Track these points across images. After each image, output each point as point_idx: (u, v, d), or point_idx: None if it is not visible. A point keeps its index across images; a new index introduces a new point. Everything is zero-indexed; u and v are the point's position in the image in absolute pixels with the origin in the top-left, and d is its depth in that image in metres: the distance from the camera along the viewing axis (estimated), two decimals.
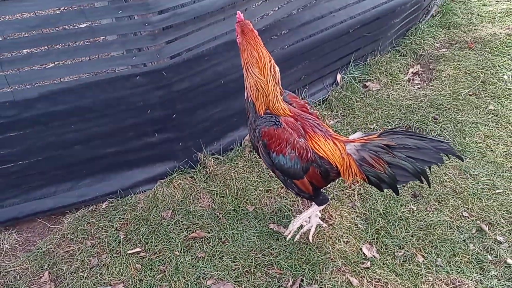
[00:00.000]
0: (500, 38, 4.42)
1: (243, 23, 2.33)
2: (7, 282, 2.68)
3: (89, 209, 3.09)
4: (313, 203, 2.61)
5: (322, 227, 2.79)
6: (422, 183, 2.34)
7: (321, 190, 2.55)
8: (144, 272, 2.67)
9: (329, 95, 3.96)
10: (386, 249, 2.68)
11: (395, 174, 2.30)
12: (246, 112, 2.46)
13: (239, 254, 2.72)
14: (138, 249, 2.80)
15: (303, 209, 2.95)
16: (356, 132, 2.67)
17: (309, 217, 2.71)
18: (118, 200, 3.13)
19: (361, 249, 2.68)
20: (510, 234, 2.69)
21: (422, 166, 2.28)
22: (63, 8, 2.76)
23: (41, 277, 2.71)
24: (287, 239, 2.72)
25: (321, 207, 2.62)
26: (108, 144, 3.04)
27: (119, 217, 3.01)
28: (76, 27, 2.78)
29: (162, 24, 2.85)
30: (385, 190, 2.40)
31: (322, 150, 2.34)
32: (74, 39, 2.78)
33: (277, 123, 2.31)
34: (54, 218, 3.09)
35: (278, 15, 3.49)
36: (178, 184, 3.19)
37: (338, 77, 4.10)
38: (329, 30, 3.81)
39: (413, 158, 2.28)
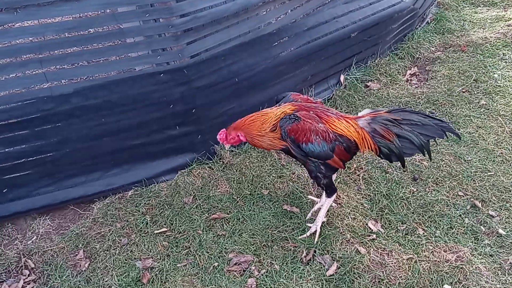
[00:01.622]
0: (491, 41, 4.76)
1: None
2: (46, 260, 2.94)
3: (116, 196, 3.35)
4: (325, 197, 2.87)
5: (332, 206, 3.06)
6: (425, 155, 2.63)
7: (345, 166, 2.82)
8: (171, 248, 2.94)
9: (333, 94, 4.27)
10: (389, 224, 2.96)
11: (402, 147, 2.60)
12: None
13: (257, 231, 2.99)
14: (164, 229, 3.07)
15: (313, 191, 3.23)
16: (364, 109, 2.95)
17: (320, 198, 2.99)
18: (143, 188, 3.39)
19: (367, 224, 2.95)
20: (501, 209, 2.98)
21: (425, 139, 2.57)
22: (97, 12, 3.06)
23: (76, 254, 2.97)
24: (315, 241, 2.87)
25: (332, 199, 2.86)
26: (134, 137, 3.30)
27: (145, 203, 3.28)
28: (107, 29, 3.09)
29: (184, 27, 3.15)
30: (388, 172, 2.66)
31: (339, 129, 2.63)
32: (105, 40, 3.07)
33: (296, 118, 2.59)
34: (83, 205, 3.34)
35: (286, 20, 3.81)
36: (197, 173, 3.47)
37: (342, 77, 4.41)
38: (332, 34, 4.12)
39: (417, 132, 2.58)
